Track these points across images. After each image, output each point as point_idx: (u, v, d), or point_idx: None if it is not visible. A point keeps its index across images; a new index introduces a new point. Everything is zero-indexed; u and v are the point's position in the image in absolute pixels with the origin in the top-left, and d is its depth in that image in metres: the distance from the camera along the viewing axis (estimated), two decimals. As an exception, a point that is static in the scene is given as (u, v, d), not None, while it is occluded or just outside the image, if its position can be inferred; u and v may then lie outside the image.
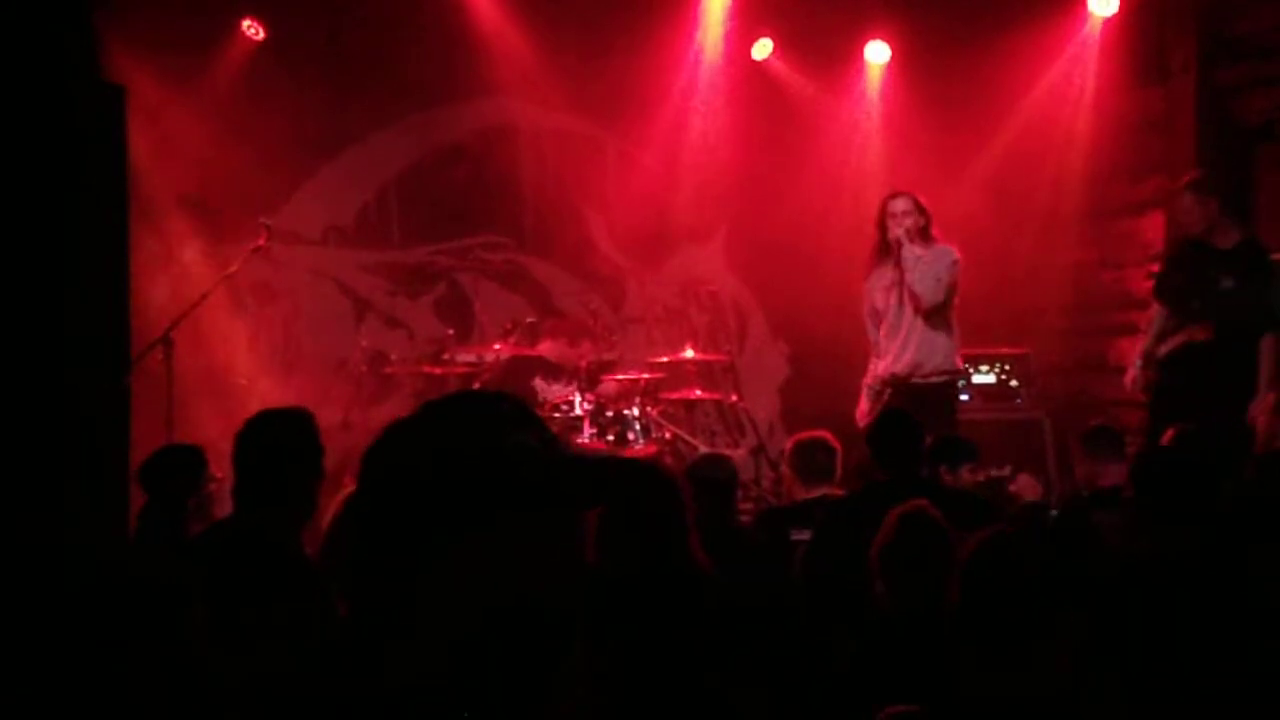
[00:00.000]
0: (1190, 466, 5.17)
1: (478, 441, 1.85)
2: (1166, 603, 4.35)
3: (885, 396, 8.07)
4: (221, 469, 5.55)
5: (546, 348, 9.77)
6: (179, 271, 9.61)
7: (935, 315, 7.99)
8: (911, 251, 7.92)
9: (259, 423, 4.35)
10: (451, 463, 1.83)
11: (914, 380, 8.02)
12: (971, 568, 3.37)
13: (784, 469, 6.51)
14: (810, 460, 6.34)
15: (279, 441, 4.27)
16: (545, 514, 1.83)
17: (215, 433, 9.48)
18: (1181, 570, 4.49)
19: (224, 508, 5.46)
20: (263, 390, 9.95)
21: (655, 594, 4.16)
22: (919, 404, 7.56)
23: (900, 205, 8.04)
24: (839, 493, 6.29)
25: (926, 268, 7.91)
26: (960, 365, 8.21)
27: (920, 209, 8.02)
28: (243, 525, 4.25)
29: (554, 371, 9.63)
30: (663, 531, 4.24)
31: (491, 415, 1.90)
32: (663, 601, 4.15)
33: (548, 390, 9.51)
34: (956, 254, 8.00)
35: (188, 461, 5.40)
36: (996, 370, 9.64)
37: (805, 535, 5.74)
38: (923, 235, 8.00)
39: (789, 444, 6.50)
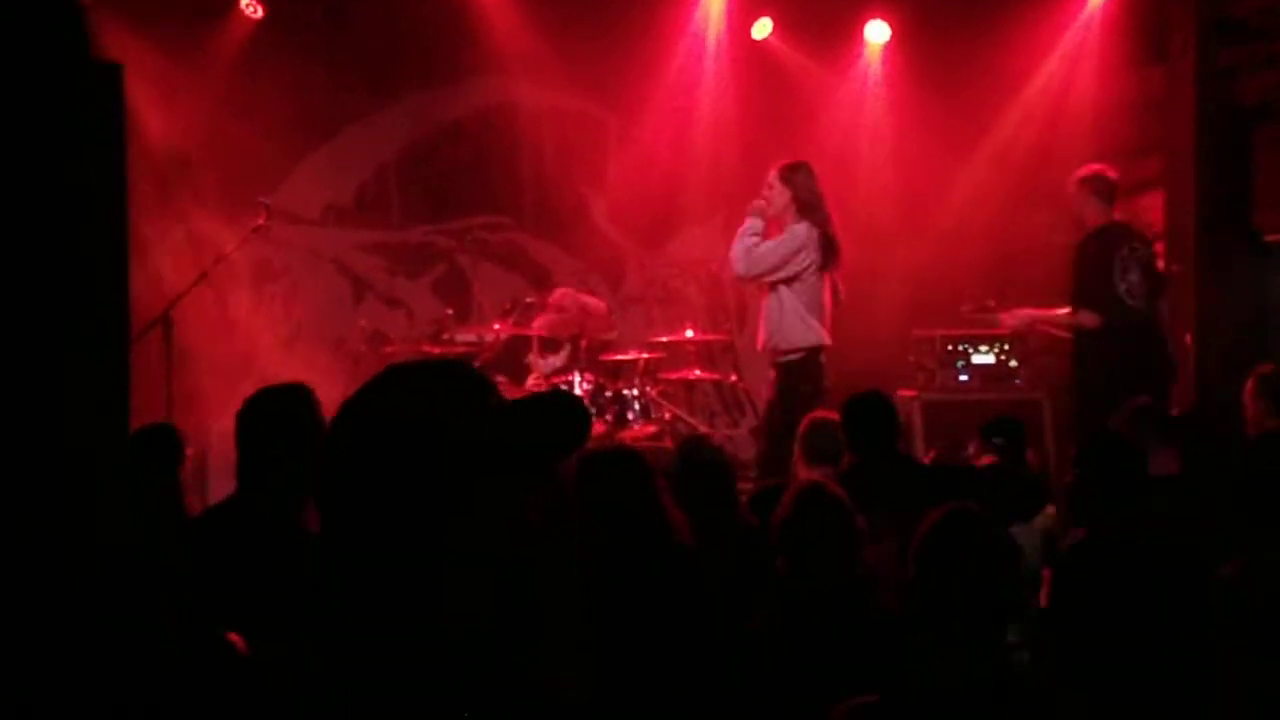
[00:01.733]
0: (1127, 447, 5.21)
1: (452, 406, 1.86)
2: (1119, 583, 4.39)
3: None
4: (223, 447, 5.56)
5: (541, 321, 9.78)
6: (178, 251, 9.60)
7: (775, 291, 8.17)
8: (750, 222, 8.18)
9: (259, 400, 4.34)
10: (428, 429, 1.83)
11: (770, 355, 8.37)
12: (924, 544, 3.39)
13: (795, 447, 6.49)
14: (817, 440, 6.33)
15: (280, 418, 4.27)
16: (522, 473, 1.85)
17: (214, 412, 9.53)
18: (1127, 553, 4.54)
19: (202, 485, 5.50)
20: (261, 369, 9.97)
21: (632, 575, 4.23)
22: (778, 377, 8.26)
23: (768, 179, 8.30)
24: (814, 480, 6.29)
25: (749, 240, 8.16)
26: (796, 345, 8.20)
27: (784, 183, 8.20)
28: (247, 504, 4.26)
29: (550, 345, 9.64)
30: (631, 512, 4.33)
31: (454, 379, 1.91)
32: (639, 581, 4.21)
33: (543, 364, 9.53)
34: (800, 238, 8.11)
35: (166, 439, 5.42)
36: (995, 351, 9.63)
37: None
38: (796, 211, 8.17)
39: (803, 422, 6.49)
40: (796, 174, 8.23)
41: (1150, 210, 9.76)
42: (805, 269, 8.12)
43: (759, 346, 8.44)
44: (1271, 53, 8.89)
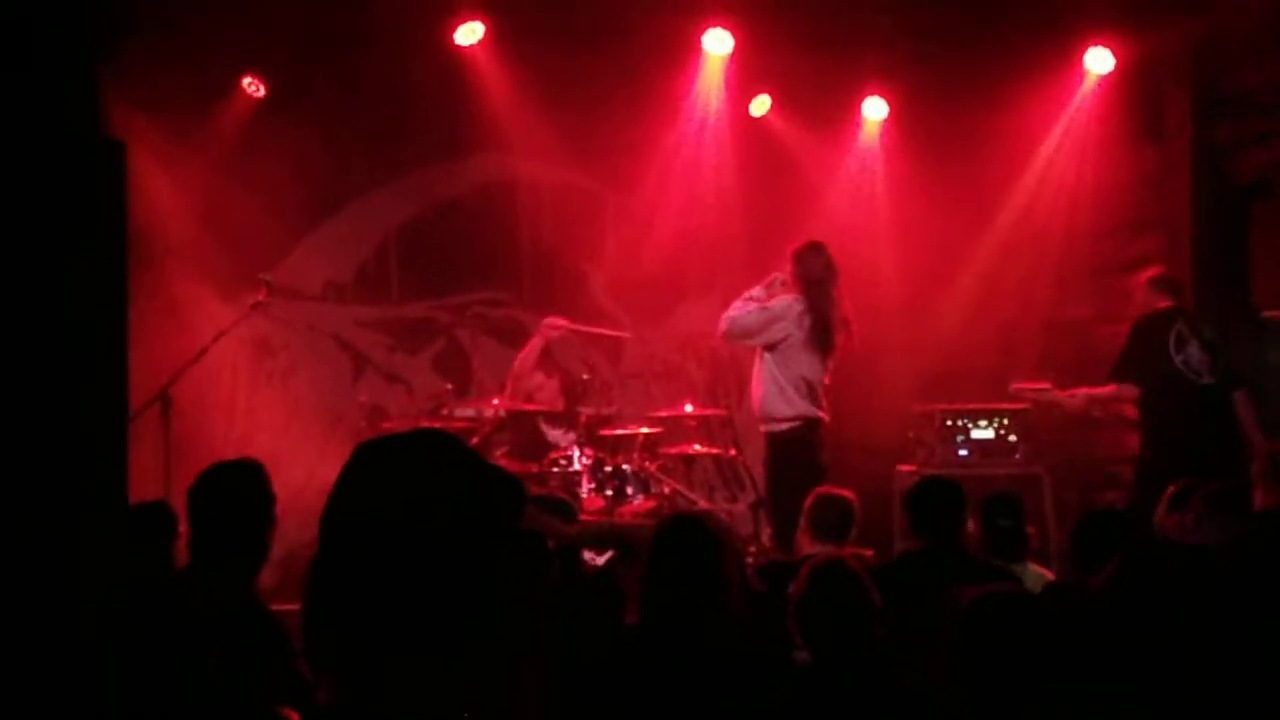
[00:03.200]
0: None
1: (440, 482, 1.87)
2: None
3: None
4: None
5: (536, 343, 9.85)
6: (177, 327, 9.60)
7: (761, 360, 8.42)
8: (756, 289, 8.54)
9: (210, 475, 4.43)
10: (422, 505, 1.84)
11: (760, 423, 8.62)
12: (960, 631, 3.36)
13: (800, 521, 6.46)
14: (825, 516, 6.30)
15: (230, 492, 4.35)
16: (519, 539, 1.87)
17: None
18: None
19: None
20: (260, 445, 9.96)
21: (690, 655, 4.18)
22: (765, 448, 8.55)
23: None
24: (842, 552, 6.26)
25: (739, 304, 8.48)
26: (779, 415, 8.39)
27: (793, 261, 8.49)
28: (199, 575, 4.28)
29: (553, 420, 9.65)
30: (709, 585, 4.27)
31: (435, 452, 1.93)
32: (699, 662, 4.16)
33: (550, 434, 9.58)
34: (778, 310, 8.37)
35: (159, 517, 5.43)
36: (995, 425, 9.64)
37: None
38: (798, 285, 8.43)
39: (810, 497, 6.46)
40: (806, 254, 8.49)
41: (1147, 286, 9.78)
42: (783, 340, 8.32)
43: (759, 414, 8.64)
44: (1267, 130, 8.95)
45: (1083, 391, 9.03)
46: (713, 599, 4.27)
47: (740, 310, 8.46)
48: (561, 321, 9.85)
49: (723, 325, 8.53)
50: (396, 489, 1.88)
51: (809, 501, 6.43)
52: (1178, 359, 8.45)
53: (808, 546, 6.24)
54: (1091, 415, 9.47)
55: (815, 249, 8.52)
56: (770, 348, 8.38)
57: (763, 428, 8.49)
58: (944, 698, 3.48)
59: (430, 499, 1.87)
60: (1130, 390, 8.60)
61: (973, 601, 3.41)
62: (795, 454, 8.34)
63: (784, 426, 8.33)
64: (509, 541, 1.93)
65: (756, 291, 8.50)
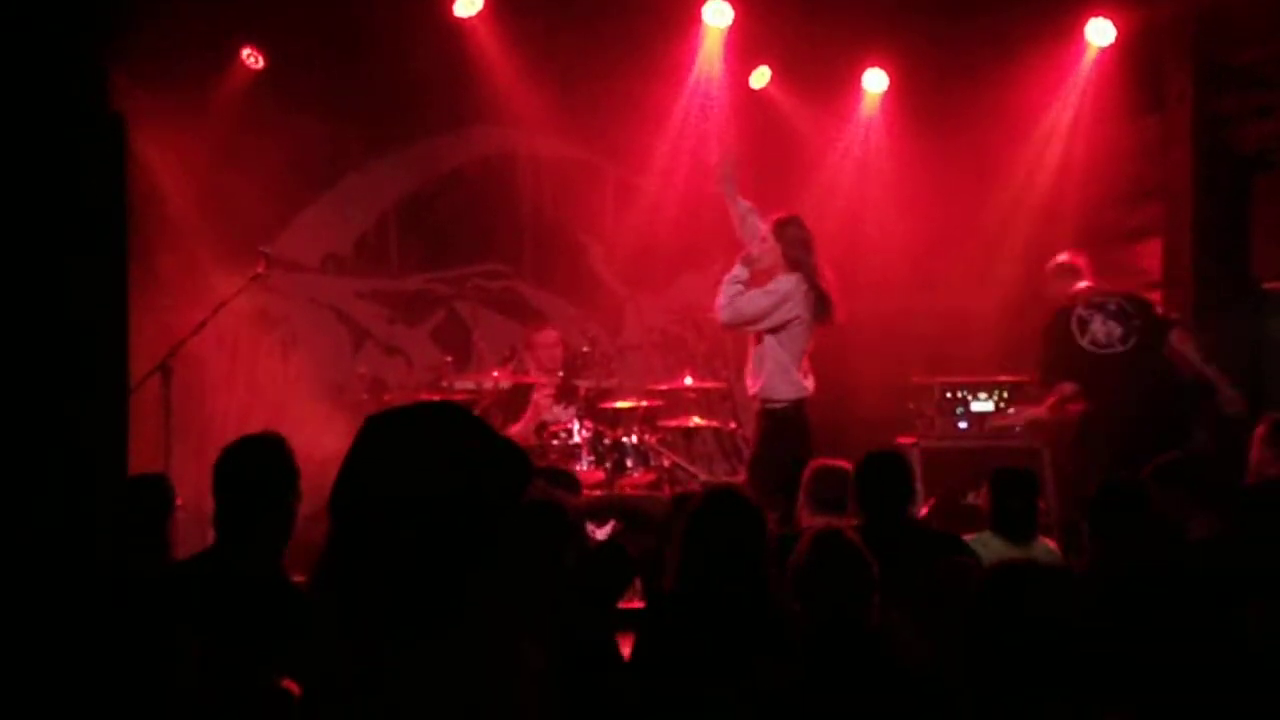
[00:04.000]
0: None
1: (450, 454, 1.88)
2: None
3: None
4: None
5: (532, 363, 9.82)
6: (177, 300, 9.60)
7: (761, 342, 8.19)
8: (736, 270, 8.24)
9: (234, 451, 4.41)
10: (433, 479, 1.85)
11: (758, 402, 8.36)
12: (981, 602, 3.36)
13: (799, 494, 6.46)
14: (824, 488, 6.30)
15: (254, 468, 4.33)
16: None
17: (211, 461, 9.51)
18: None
19: (185, 536, 5.50)
20: (261, 416, 9.96)
21: (731, 619, 4.19)
22: (757, 423, 8.35)
23: (761, 230, 8.33)
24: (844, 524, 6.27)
25: (735, 288, 8.19)
26: (781, 397, 8.22)
27: (776, 237, 8.24)
28: (225, 554, 4.28)
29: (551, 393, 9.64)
30: (741, 557, 4.27)
31: (445, 425, 1.93)
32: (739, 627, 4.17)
33: (548, 412, 9.55)
34: (785, 289, 8.14)
35: (157, 490, 5.43)
36: (995, 398, 9.63)
37: None
38: (786, 265, 8.20)
39: (808, 469, 6.46)
40: (787, 228, 8.27)
41: (1148, 257, 9.79)
42: (791, 320, 8.13)
43: (749, 394, 8.44)
44: (1268, 101, 8.94)
45: (1030, 412, 9.19)
46: (755, 569, 4.29)
47: (738, 296, 8.17)
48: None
49: (724, 316, 8.24)
50: (406, 462, 1.89)
51: (807, 474, 6.42)
52: (1084, 342, 8.72)
53: (807, 519, 6.24)
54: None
55: (796, 223, 8.35)
56: (776, 329, 8.18)
57: (765, 406, 8.30)
58: (959, 671, 3.47)
59: (439, 472, 1.88)
60: (1068, 387, 8.78)
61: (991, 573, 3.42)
62: (791, 431, 8.32)
63: (783, 405, 8.24)
64: (516, 514, 1.94)
65: (740, 273, 8.23)
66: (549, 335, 9.85)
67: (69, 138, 5.37)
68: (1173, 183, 9.47)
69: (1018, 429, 9.26)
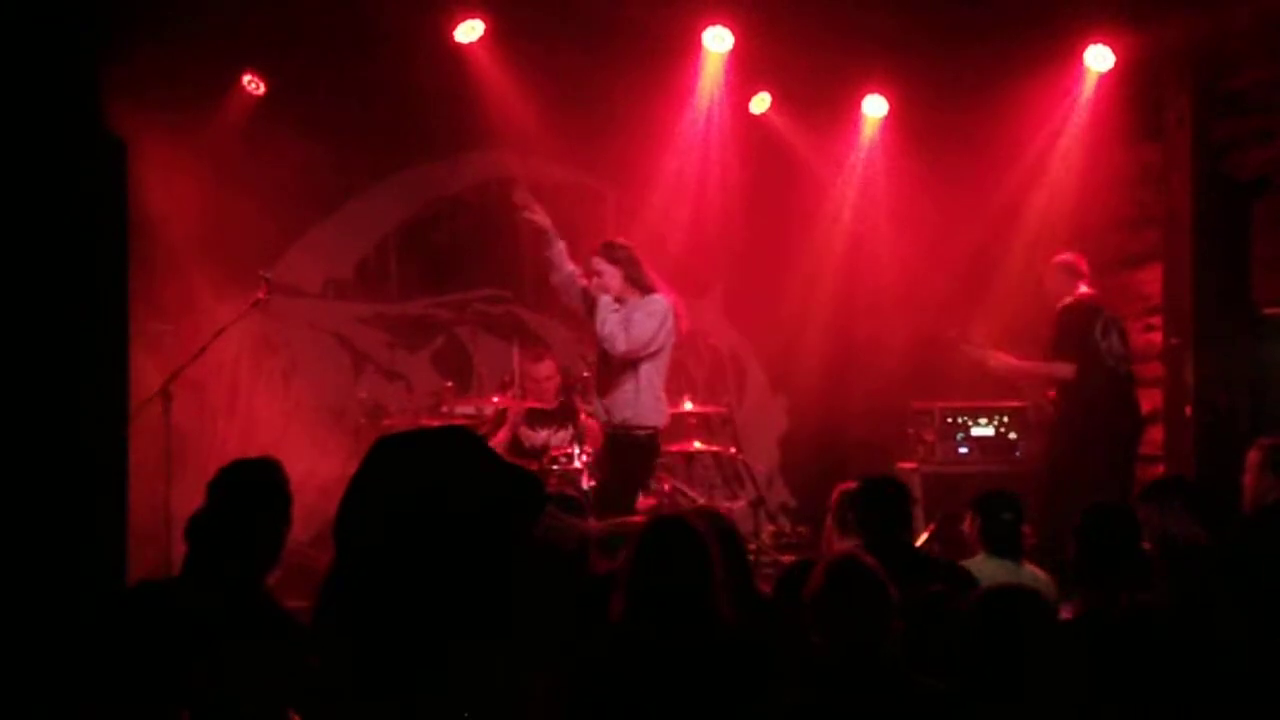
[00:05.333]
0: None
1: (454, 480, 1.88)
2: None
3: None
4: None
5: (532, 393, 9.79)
6: (178, 324, 9.60)
7: (636, 368, 8.02)
8: (605, 299, 8.00)
9: (230, 471, 4.45)
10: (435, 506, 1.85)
11: (607, 427, 8.17)
12: (969, 624, 3.36)
13: (826, 519, 6.45)
14: (850, 512, 6.29)
15: (249, 487, 4.38)
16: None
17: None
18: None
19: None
20: (261, 441, 9.95)
21: (681, 652, 4.12)
22: (613, 450, 8.10)
23: (594, 264, 8.13)
24: (848, 551, 6.25)
25: (618, 315, 7.98)
26: (649, 424, 8.09)
27: (612, 263, 8.06)
28: (210, 572, 4.29)
29: (542, 418, 9.60)
30: (689, 589, 4.21)
31: (455, 450, 1.93)
32: (688, 659, 4.11)
33: (534, 436, 9.50)
34: (665, 306, 8.03)
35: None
36: (995, 423, 9.64)
37: None
38: (631, 287, 8.06)
39: (834, 493, 6.43)
40: (617, 250, 8.13)
41: (1148, 283, 9.79)
42: (667, 342, 8.07)
43: (613, 422, 8.14)
44: (1268, 127, 8.95)
45: (1015, 361, 9.39)
46: (695, 600, 4.21)
47: (628, 324, 7.95)
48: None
49: (621, 346, 7.93)
50: (414, 484, 1.88)
51: (835, 497, 6.40)
52: (1102, 345, 8.89)
53: (837, 543, 6.23)
54: (1013, 383, 9.60)
55: (620, 243, 8.22)
56: (655, 353, 8.03)
57: (627, 432, 8.06)
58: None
59: (449, 495, 1.87)
60: (1067, 369, 8.91)
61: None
62: (651, 458, 8.27)
63: (649, 431, 8.08)
64: (526, 541, 1.94)
65: (610, 301, 8.00)
66: (546, 367, 9.82)
67: (70, 163, 5.37)
68: (1172, 208, 9.47)
69: (991, 362, 9.43)
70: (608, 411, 8.14)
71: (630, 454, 8.05)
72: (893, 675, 4.05)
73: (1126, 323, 9.83)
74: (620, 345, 7.95)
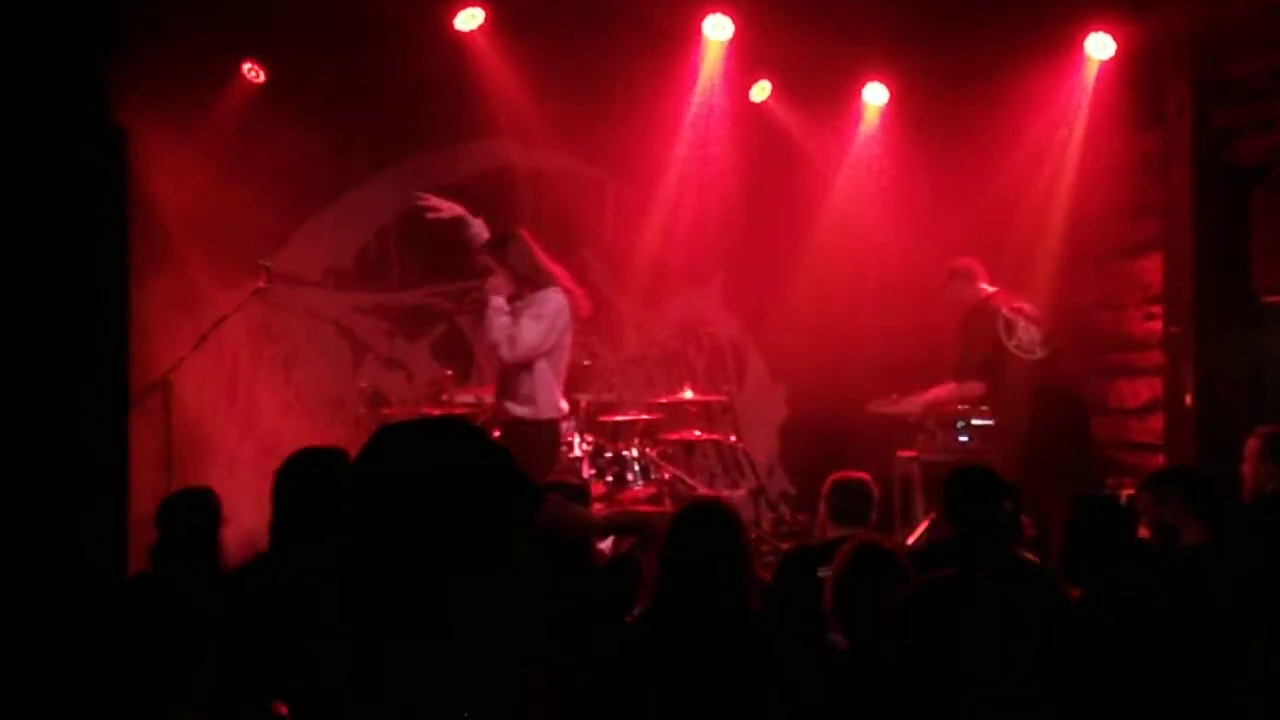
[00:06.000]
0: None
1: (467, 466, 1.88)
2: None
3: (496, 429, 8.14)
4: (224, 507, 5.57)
5: None
6: (178, 314, 9.60)
7: (531, 365, 7.93)
8: (496, 300, 7.91)
9: (299, 459, 4.46)
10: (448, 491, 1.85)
11: (503, 416, 8.08)
12: (912, 607, 3.37)
13: (819, 506, 6.46)
14: (848, 500, 6.29)
15: (317, 478, 4.39)
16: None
17: (213, 473, 9.50)
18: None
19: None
20: (261, 431, 9.97)
21: (708, 634, 4.13)
22: (512, 445, 7.79)
23: (483, 262, 8.09)
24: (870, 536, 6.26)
25: (504, 320, 7.88)
26: (547, 417, 8.00)
27: (498, 262, 7.99)
28: (283, 561, 4.30)
29: None
30: (728, 569, 4.22)
31: (457, 440, 1.93)
32: (716, 642, 4.12)
33: None
34: (556, 302, 7.94)
35: (208, 502, 5.45)
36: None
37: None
38: (523, 283, 7.95)
39: (827, 482, 6.43)
40: (506, 246, 8.04)
41: (1148, 271, 9.79)
42: (563, 338, 8.01)
43: (511, 416, 8.03)
44: (1269, 115, 8.94)
45: (926, 396, 9.51)
46: (733, 583, 4.23)
47: (513, 327, 7.83)
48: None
49: (506, 352, 7.86)
50: (420, 471, 1.89)
51: (826, 486, 6.41)
52: (1010, 344, 9.04)
53: (831, 531, 6.24)
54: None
55: (511, 234, 8.12)
56: (550, 350, 7.95)
57: (520, 426, 7.91)
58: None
59: (448, 485, 1.87)
60: (975, 389, 9.18)
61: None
62: (553, 451, 8.17)
63: (547, 423, 8.01)
64: (528, 530, 1.94)
65: (500, 302, 7.91)
66: None
67: (71, 152, 5.37)
68: (1173, 197, 9.47)
69: (911, 418, 9.57)
70: (505, 410, 8.04)
71: (529, 447, 7.77)
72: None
73: (1126, 311, 9.84)
74: (505, 354, 7.89)
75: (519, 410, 7.96)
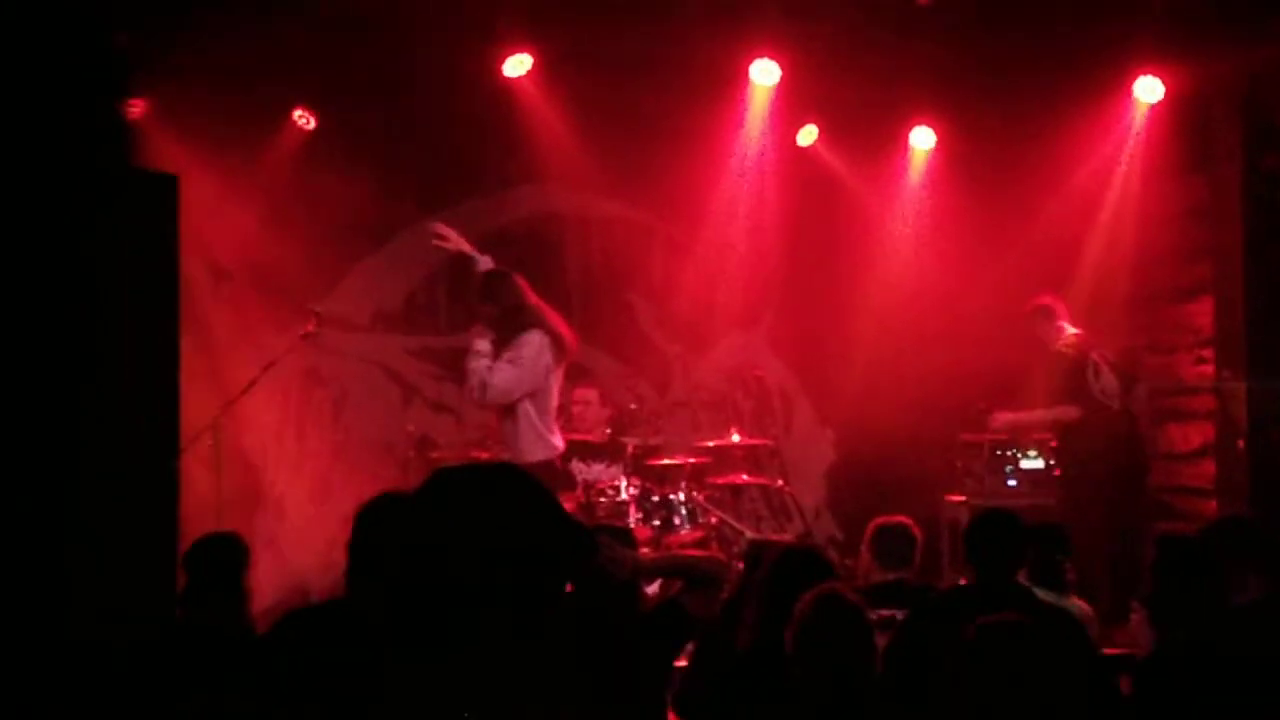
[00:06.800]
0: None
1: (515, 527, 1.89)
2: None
3: None
4: (266, 551, 5.59)
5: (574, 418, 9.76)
6: (229, 357, 9.67)
7: (513, 408, 7.97)
8: (479, 344, 7.94)
9: (378, 505, 4.42)
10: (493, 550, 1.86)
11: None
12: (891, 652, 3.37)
13: (862, 550, 6.45)
14: (890, 545, 6.28)
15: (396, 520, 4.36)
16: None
17: (262, 516, 9.55)
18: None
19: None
20: (309, 474, 10.02)
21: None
22: None
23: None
24: (913, 580, 6.25)
25: (482, 365, 7.89)
26: (532, 460, 7.92)
27: (489, 303, 8.01)
28: (355, 604, 4.29)
29: (594, 452, 9.59)
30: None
31: (511, 491, 1.94)
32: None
33: (587, 471, 9.50)
34: (535, 346, 7.95)
35: (234, 547, 5.45)
36: (1044, 456, 9.59)
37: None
38: (507, 320, 7.98)
39: (870, 527, 6.42)
40: (493, 286, 8.07)
41: (1199, 315, 9.72)
42: (545, 382, 8.02)
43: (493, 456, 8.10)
44: (1318, 159, 8.89)
45: (1008, 416, 9.63)
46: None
47: (486, 372, 7.88)
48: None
49: (478, 396, 7.95)
50: (474, 516, 1.89)
51: (870, 530, 6.39)
52: (1095, 387, 9.15)
53: (876, 576, 6.23)
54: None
55: (500, 274, 8.14)
56: (531, 393, 7.99)
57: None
58: None
59: (507, 529, 1.88)
60: (1072, 411, 9.20)
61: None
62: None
63: (533, 467, 7.74)
64: (574, 587, 1.96)
65: (484, 345, 7.96)
66: (583, 393, 9.83)
67: (123, 200, 5.43)
68: (1223, 240, 9.42)
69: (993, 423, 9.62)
70: (496, 455, 8.12)
71: None
72: (872, 708, 4.07)
73: (1176, 355, 9.77)
74: (475, 397, 7.99)
75: (504, 455, 8.03)
